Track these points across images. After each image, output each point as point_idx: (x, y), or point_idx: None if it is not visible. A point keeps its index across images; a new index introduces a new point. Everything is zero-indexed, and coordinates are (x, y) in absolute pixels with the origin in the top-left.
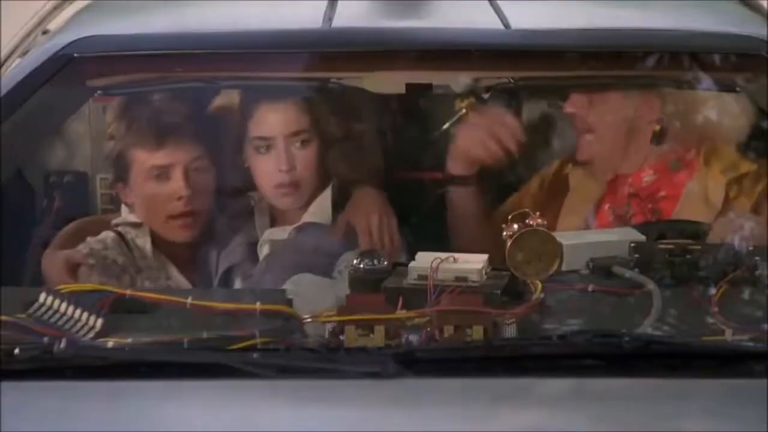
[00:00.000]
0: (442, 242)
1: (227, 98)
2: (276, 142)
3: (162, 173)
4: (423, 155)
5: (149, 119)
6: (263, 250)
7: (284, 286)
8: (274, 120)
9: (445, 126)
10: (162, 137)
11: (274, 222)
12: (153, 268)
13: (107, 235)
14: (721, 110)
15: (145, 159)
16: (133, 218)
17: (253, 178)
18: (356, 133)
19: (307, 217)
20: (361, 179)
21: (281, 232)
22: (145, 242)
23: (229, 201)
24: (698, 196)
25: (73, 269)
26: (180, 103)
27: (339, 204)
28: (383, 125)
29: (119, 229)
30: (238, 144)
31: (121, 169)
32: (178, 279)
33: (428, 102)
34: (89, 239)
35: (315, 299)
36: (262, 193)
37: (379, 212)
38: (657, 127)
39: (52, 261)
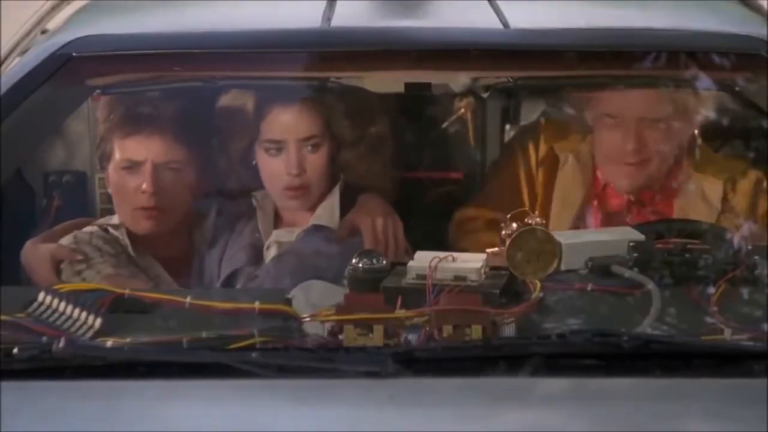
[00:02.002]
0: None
1: (232, 99)
2: (287, 146)
3: (134, 165)
4: (429, 155)
5: (137, 112)
6: (270, 252)
7: (292, 292)
8: (286, 124)
9: (444, 126)
10: (144, 131)
11: (278, 223)
12: (138, 266)
13: (92, 228)
14: (713, 110)
15: (122, 149)
16: (115, 220)
17: (261, 178)
18: (367, 135)
19: (315, 219)
20: (370, 181)
21: (288, 234)
22: (126, 243)
23: (226, 202)
24: (696, 198)
25: (56, 265)
26: (175, 102)
27: (346, 206)
28: (393, 126)
29: (103, 227)
30: (239, 145)
31: (103, 156)
32: (164, 278)
33: (430, 102)
34: (75, 231)
35: (324, 306)
36: (270, 193)
37: (383, 217)
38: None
39: (35, 254)
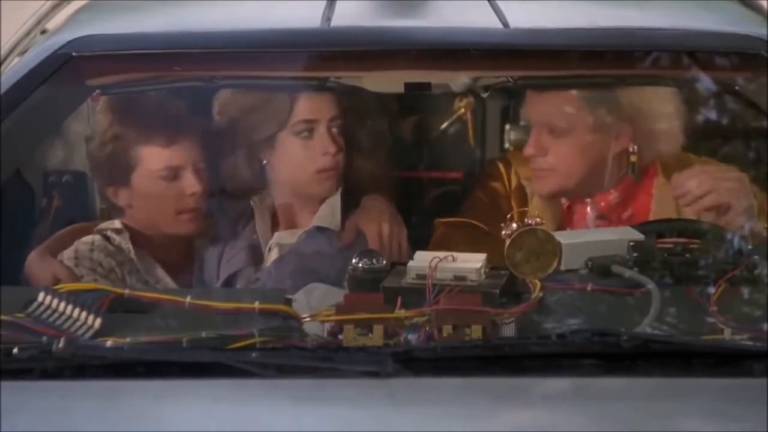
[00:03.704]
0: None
1: (233, 99)
2: (319, 126)
3: (171, 172)
4: (429, 155)
5: (154, 120)
6: (272, 255)
7: (296, 296)
8: (317, 104)
9: (444, 126)
10: (169, 137)
11: (276, 225)
12: (139, 272)
13: (94, 237)
14: (677, 113)
15: (152, 158)
16: (116, 224)
17: (268, 176)
18: (367, 135)
19: (317, 221)
20: (370, 181)
21: (290, 236)
22: (128, 247)
23: (227, 203)
24: (669, 205)
25: (56, 281)
26: (181, 102)
27: (347, 206)
28: (393, 126)
29: (105, 233)
30: (238, 144)
31: (120, 170)
32: (166, 281)
33: (430, 102)
34: (77, 242)
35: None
36: (296, 182)
37: (388, 221)
38: (633, 158)
39: (38, 268)
